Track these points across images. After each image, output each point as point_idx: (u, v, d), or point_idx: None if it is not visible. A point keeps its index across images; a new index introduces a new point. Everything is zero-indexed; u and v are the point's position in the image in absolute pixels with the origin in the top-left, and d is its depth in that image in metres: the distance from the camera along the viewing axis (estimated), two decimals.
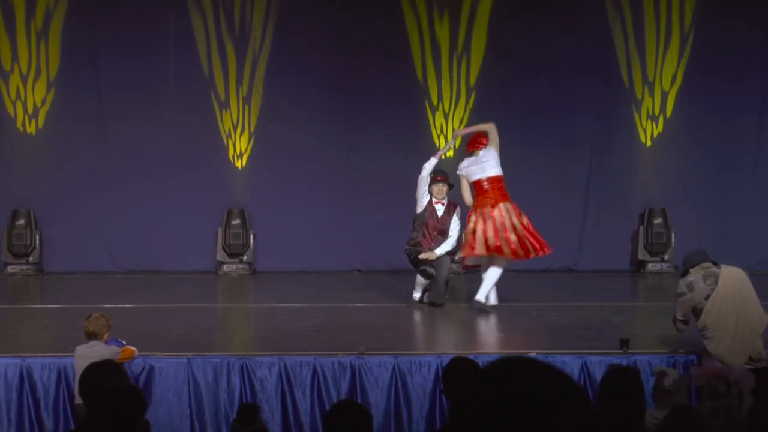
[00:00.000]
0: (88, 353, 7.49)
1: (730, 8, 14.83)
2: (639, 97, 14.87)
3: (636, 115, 14.89)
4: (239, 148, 14.68)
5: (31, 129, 14.53)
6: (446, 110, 14.69)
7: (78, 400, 6.89)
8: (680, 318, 8.18)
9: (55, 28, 14.42)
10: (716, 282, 8.01)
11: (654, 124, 14.93)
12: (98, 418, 4.76)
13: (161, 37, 14.56)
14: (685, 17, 14.81)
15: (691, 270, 8.21)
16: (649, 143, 14.96)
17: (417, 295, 11.46)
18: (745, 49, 14.80)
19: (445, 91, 14.68)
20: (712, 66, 14.78)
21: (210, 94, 14.56)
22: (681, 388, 6.27)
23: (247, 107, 14.64)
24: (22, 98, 14.47)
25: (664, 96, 14.90)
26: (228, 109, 14.62)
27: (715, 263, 8.28)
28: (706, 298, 8.00)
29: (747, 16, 14.84)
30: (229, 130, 14.64)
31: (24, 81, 14.45)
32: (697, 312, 8.06)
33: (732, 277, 8.06)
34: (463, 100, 14.70)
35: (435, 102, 14.72)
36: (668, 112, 14.91)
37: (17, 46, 14.39)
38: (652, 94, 14.88)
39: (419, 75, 14.68)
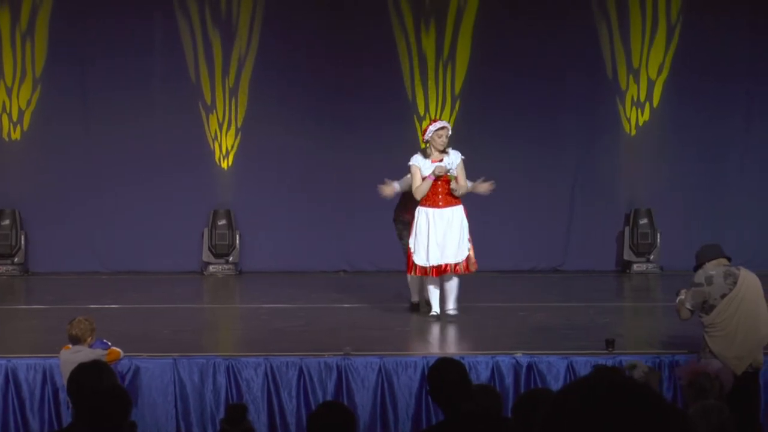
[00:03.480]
0: (73, 359, 7.41)
1: (717, 1, 14.84)
2: (623, 87, 14.82)
3: (620, 107, 14.83)
4: (225, 148, 14.66)
5: (15, 135, 14.47)
6: (432, 106, 14.70)
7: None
8: (689, 307, 7.99)
9: (40, 27, 14.38)
10: (735, 283, 7.88)
11: (639, 111, 14.86)
12: (85, 419, 4.76)
13: (147, 37, 14.54)
14: (671, 10, 14.80)
15: (707, 264, 8.06)
16: (633, 132, 14.87)
17: (415, 299, 11.19)
18: (731, 44, 14.78)
19: (431, 92, 14.69)
20: (699, 61, 14.74)
21: (196, 95, 14.54)
22: (651, 381, 6.29)
23: (233, 107, 14.63)
24: (8, 110, 14.40)
25: (651, 84, 14.85)
26: (214, 110, 14.60)
27: (729, 259, 8.20)
28: (722, 296, 7.84)
29: (733, 10, 14.81)
30: (215, 131, 14.62)
31: (9, 92, 14.36)
32: (707, 307, 7.90)
33: (752, 283, 7.92)
34: (449, 103, 14.70)
35: (420, 106, 14.72)
36: (655, 102, 14.88)
37: (2, 55, 14.32)
38: (637, 81, 14.80)
39: (406, 76, 14.68)
